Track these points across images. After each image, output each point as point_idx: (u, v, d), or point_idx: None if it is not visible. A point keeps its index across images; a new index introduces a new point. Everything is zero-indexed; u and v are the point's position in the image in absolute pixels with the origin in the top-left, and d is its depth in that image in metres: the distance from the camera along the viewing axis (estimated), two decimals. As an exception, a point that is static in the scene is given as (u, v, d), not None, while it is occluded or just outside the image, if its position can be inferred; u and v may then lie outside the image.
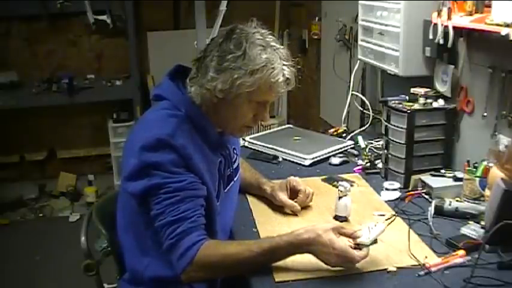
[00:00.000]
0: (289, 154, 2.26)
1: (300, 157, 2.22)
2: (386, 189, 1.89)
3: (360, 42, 2.52)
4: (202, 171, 1.42)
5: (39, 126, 4.38)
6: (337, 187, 1.75)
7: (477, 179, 1.72)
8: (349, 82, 2.83)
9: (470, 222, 1.61)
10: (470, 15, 1.82)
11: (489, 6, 1.72)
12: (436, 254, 1.46)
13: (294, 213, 1.74)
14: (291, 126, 2.83)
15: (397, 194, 1.85)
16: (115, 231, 1.58)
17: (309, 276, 1.37)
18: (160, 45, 4.31)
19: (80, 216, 3.89)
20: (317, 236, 1.34)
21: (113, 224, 1.58)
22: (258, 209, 1.79)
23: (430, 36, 1.98)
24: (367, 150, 2.24)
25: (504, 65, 1.77)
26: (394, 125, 1.95)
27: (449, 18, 1.87)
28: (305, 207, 1.77)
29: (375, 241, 1.39)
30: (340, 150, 2.31)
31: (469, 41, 1.94)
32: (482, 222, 1.55)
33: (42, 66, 4.30)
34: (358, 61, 2.65)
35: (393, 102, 1.98)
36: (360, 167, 2.13)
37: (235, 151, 1.65)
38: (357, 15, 2.54)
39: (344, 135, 2.52)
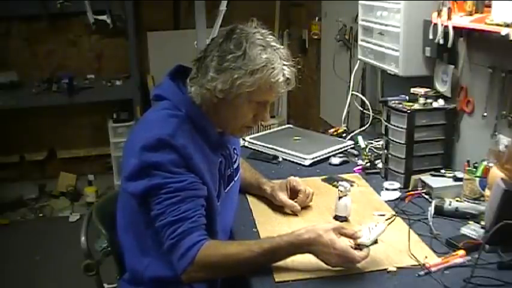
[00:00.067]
0: (289, 154, 2.26)
1: (300, 157, 2.22)
2: (386, 189, 1.89)
3: (360, 42, 2.52)
4: (202, 171, 1.42)
5: (39, 126, 4.38)
6: (337, 187, 1.75)
7: (477, 179, 1.72)
8: (349, 82, 2.83)
9: (470, 222, 1.61)
10: (470, 15, 1.82)
11: (489, 6, 1.72)
12: (436, 254, 1.46)
13: (294, 213, 1.74)
14: (291, 126, 2.83)
15: (397, 194, 1.85)
16: (115, 231, 1.58)
17: (309, 276, 1.37)
18: (160, 45, 4.31)
19: (80, 216, 3.89)
20: (318, 236, 1.34)
21: (113, 224, 1.58)
22: (258, 209, 1.79)
23: (430, 36, 1.98)
24: (367, 150, 2.24)
25: (504, 65, 1.77)
26: (394, 125, 1.95)
27: (449, 18, 1.87)
28: (305, 207, 1.77)
29: (375, 241, 1.39)
30: (340, 150, 2.31)
31: (469, 41, 1.94)
32: (482, 222, 1.55)
33: (42, 66, 4.30)
34: (358, 61, 2.65)
35: (393, 102, 1.98)
36: (360, 167, 2.13)
37: (235, 151, 1.65)
38: (357, 15, 2.54)
39: (344, 135, 2.52)
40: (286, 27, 4.53)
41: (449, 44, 1.90)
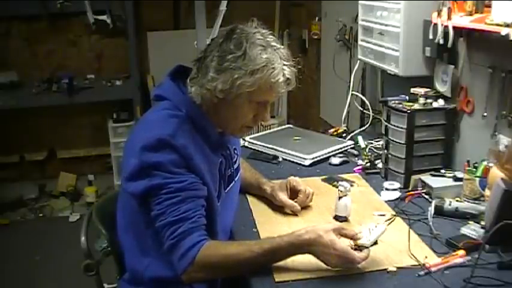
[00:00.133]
0: (289, 154, 2.26)
1: (300, 157, 2.22)
2: (386, 189, 1.89)
3: (360, 42, 2.52)
4: (203, 171, 1.42)
5: (39, 126, 4.38)
6: (337, 187, 1.75)
7: (477, 179, 1.72)
8: (349, 82, 2.83)
9: (470, 222, 1.61)
10: (470, 15, 1.82)
11: (489, 6, 1.72)
12: (436, 254, 1.46)
13: (294, 213, 1.74)
14: (291, 126, 2.83)
15: (397, 194, 1.85)
16: (115, 231, 1.58)
17: (309, 276, 1.37)
18: (160, 45, 4.31)
19: (80, 216, 3.89)
20: (318, 237, 1.34)
21: (113, 224, 1.58)
22: (258, 209, 1.79)
23: (430, 36, 1.98)
24: (367, 150, 2.24)
25: (504, 65, 1.77)
26: (394, 125, 1.95)
27: (449, 18, 1.87)
28: (305, 207, 1.77)
29: (375, 242, 1.39)
30: (340, 150, 2.31)
31: (469, 41, 1.94)
32: (482, 222, 1.55)
33: (42, 66, 4.30)
34: (358, 61, 2.65)
35: (393, 102, 1.98)
36: (360, 167, 2.13)
37: (235, 151, 1.65)
38: (357, 15, 2.54)
39: (344, 135, 2.52)
40: (286, 27, 4.53)
41: (449, 44, 1.90)
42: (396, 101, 1.98)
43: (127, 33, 4.09)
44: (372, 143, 2.30)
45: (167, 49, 4.11)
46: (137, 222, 1.46)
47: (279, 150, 2.29)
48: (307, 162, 2.19)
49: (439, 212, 1.68)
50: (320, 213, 1.75)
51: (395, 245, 1.51)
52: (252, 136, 2.46)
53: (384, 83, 2.67)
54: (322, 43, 3.80)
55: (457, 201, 1.72)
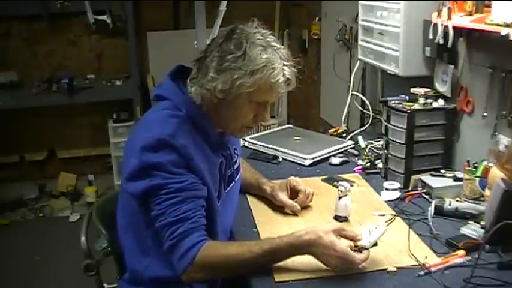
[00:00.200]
0: (289, 154, 2.26)
1: (300, 157, 2.22)
2: (386, 189, 1.89)
3: (360, 42, 2.52)
4: (203, 171, 1.42)
5: (39, 126, 4.38)
6: (337, 187, 1.75)
7: (477, 179, 1.72)
8: (349, 82, 2.83)
9: (470, 222, 1.61)
10: (470, 15, 1.82)
11: (489, 6, 1.72)
12: (436, 254, 1.46)
13: (294, 213, 1.74)
14: (291, 126, 2.83)
15: (397, 194, 1.85)
16: (115, 231, 1.58)
17: (309, 276, 1.37)
18: (160, 45, 4.31)
19: (80, 216, 3.89)
20: (318, 238, 1.34)
21: (113, 224, 1.58)
22: (258, 209, 1.79)
23: (430, 36, 1.98)
24: (367, 150, 2.24)
25: (504, 65, 1.77)
26: (394, 125, 1.95)
27: (449, 18, 1.87)
28: (305, 207, 1.77)
29: (375, 243, 1.39)
30: (340, 150, 2.31)
31: (469, 41, 1.94)
32: (482, 222, 1.55)
33: (42, 66, 4.30)
34: (358, 61, 2.65)
35: (393, 102, 1.98)
36: (360, 167, 2.13)
37: (236, 151, 1.65)
38: (357, 15, 2.54)
39: (344, 135, 2.52)
40: (286, 27, 4.53)
41: (449, 44, 1.90)
42: (396, 101, 1.98)
43: (127, 33, 4.09)
44: (372, 143, 2.30)
45: (167, 49, 4.11)
46: (137, 222, 1.46)
47: (279, 150, 2.29)
48: (307, 162, 2.19)
49: (439, 212, 1.68)
50: (320, 213, 1.75)
51: (395, 245, 1.51)
52: (252, 136, 2.46)
53: (384, 83, 2.67)
54: (322, 43, 3.80)
55: (457, 201, 1.72)
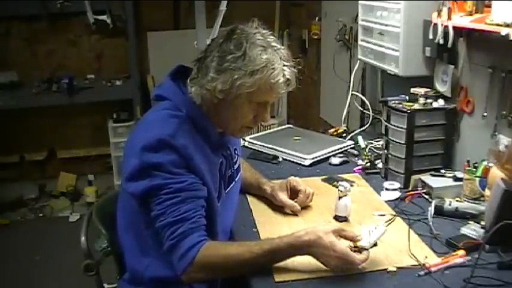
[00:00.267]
0: (289, 154, 2.26)
1: (300, 157, 2.22)
2: (386, 189, 1.89)
3: (360, 42, 2.52)
4: (203, 171, 1.42)
5: (39, 126, 4.38)
6: (337, 187, 1.75)
7: (477, 179, 1.72)
8: (349, 82, 2.83)
9: (470, 222, 1.61)
10: (470, 15, 1.82)
11: (489, 6, 1.72)
12: (436, 254, 1.46)
13: (294, 213, 1.74)
14: (291, 126, 2.83)
15: (397, 194, 1.85)
16: (115, 231, 1.58)
17: (309, 276, 1.37)
18: (160, 45, 4.31)
19: (80, 216, 3.89)
20: (318, 238, 1.34)
21: (113, 224, 1.58)
22: (258, 209, 1.79)
23: (430, 36, 1.98)
24: (367, 150, 2.24)
25: (504, 65, 1.77)
26: (394, 125, 1.95)
27: (449, 18, 1.87)
28: (305, 207, 1.77)
29: (374, 244, 1.39)
30: (340, 150, 2.31)
31: (469, 41, 1.94)
32: (482, 222, 1.55)
33: (42, 66, 4.30)
34: (358, 61, 2.65)
35: (393, 102, 1.98)
36: (360, 167, 2.13)
37: (236, 151, 1.64)
38: (357, 15, 2.54)
39: (344, 135, 2.52)
40: (286, 27, 4.53)
41: (449, 44, 1.90)
42: (396, 101, 1.98)
43: (127, 33, 4.09)
44: (372, 143, 2.30)
45: (167, 49, 4.11)
46: (137, 222, 1.46)
47: (279, 150, 2.29)
48: (307, 162, 2.19)
49: (439, 212, 1.68)
50: (320, 213, 1.75)
51: (395, 245, 1.51)
52: (252, 136, 2.46)
53: (384, 83, 2.67)
54: (322, 43, 3.80)
55: (457, 201, 1.72)
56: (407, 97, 1.99)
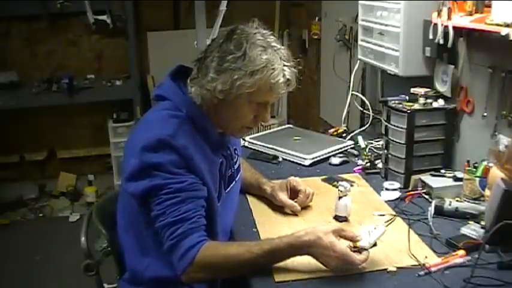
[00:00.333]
0: (289, 154, 2.26)
1: (300, 157, 2.22)
2: (386, 189, 1.89)
3: (360, 42, 2.52)
4: (203, 172, 1.42)
5: (39, 126, 4.38)
6: (337, 187, 1.75)
7: (477, 179, 1.72)
8: (349, 82, 2.83)
9: (470, 222, 1.61)
10: (470, 15, 1.82)
11: (489, 6, 1.72)
12: (436, 254, 1.46)
13: (294, 213, 1.74)
14: (291, 126, 2.83)
15: (397, 194, 1.85)
16: (115, 231, 1.58)
17: (309, 277, 1.37)
18: (160, 45, 4.31)
19: (80, 216, 3.89)
20: (317, 239, 1.34)
21: (113, 224, 1.58)
22: (258, 209, 1.79)
23: (430, 36, 1.98)
24: (367, 150, 2.24)
25: (504, 65, 1.77)
26: (394, 125, 1.95)
27: (449, 18, 1.87)
28: (305, 207, 1.77)
29: (374, 244, 1.39)
30: (340, 150, 2.31)
31: (469, 41, 1.94)
32: (482, 222, 1.55)
33: (42, 66, 4.30)
34: (358, 61, 2.65)
35: (393, 102, 1.98)
36: (360, 167, 2.13)
37: (236, 151, 1.64)
38: (357, 15, 2.54)
39: (344, 135, 2.52)
40: (286, 27, 4.53)
41: (449, 44, 1.90)
42: (396, 101, 1.98)
43: (127, 33, 4.09)
44: (372, 143, 2.30)
45: (167, 49, 4.11)
46: (137, 222, 1.46)
47: (279, 150, 2.29)
48: (307, 162, 2.19)
49: (439, 212, 1.68)
50: (320, 213, 1.75)
51: (395, 245, 1.51)
52: (252, 136, 2.46)
53: (384, 83, 2.67)
54: (322, 43, 3.80)
55: (457, 201, 1.72)
56: (407, 97, 1.99)
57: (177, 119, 1.42)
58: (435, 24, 1.95)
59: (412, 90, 2.02)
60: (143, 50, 4.34)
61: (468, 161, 1.81)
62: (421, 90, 2.00)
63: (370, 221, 1.64)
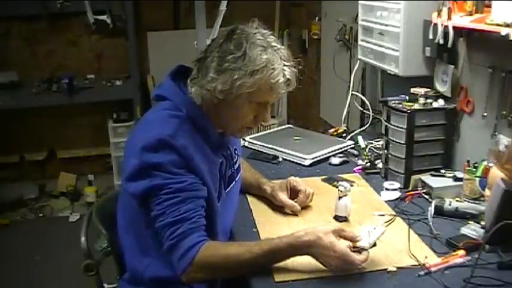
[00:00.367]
0: (289, 154, 2.26)
1: (300, 157, 2.22)
2: (386, 189, 1.89)
3: (360, 42, 2.52)
4: (203, 172, 1.42)
5: (39, 126, 4.38)
6: (337, 187, 1.75)
7: (477, 179, 1.72)
8: (349, 82, 2.83)
9: (470, 222, 1.61)
10: (470, 15, 1.82)
11: (489, 6, 1.72)
12: (436, 254, 1.46)
13: (294, 213, 1.74)
14: (291, 126, 2.83)
15: (397, 194, 1.85)
16: (115, 231, 1.58)
17: (309, 276, 1.37)
18: (160, 45, 4.31)
19: (80, 216, 3.89)
20: (317, 239, 1.34)
21: (113, 224, 1.58)
22: (258, 209, 1.79)
23: (430, 36, 1.98)
24: (367, 150, 2.24)
25: (504, 65, 1.77)
26: (394, 125, 1.95)
27: (449, 18, 1.87)
28: (305, 207, 1.77)
29: (374, 244, 1.39)
30: (340, 150, 2.31)
31: (469, 41, 1.94)
32: (482, 222, 1.55)
33: (42, 66, 4.30)
34: (358, 61, 2.65)
35: (393, 102, 1.98)
36: (360, 167, 2.13)
37: (236, 152, 1.64)
38: (357, 15, 2.54)
39: (344, 135, 2.52)
40: (286, 27, 4.53)
41: (449, 44, 1.90)
42: (396, 101, 1.98)
43: (127, 33, 4.09)
44: (372, 143, 2.30)
45: (167, 49, 4.11)
46: (137, 222, 1.46)
47: (279, 150, 2.29)
48: (307, 162, 2.19)
49: (439, 212, 1.68)
50: (320, 213, 1.75)
51: (395, 245, 1.51)
52: (252, 136, 2.46)
53: (384, 83, 2.67)
54: (322, 43, 3.80)
55: (457, 201, 1.72)
56: (407, 97, 1.99)
57: (177, 119, 1.42)
58: (435, 24, 1.95)
59: (412, 90, 2.02)
60: (143, 50, 4.35)
61: (468, 161, 1.81)
62: (421, 90, 2.00)
63: (370, 221, 1.64)
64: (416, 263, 1.42)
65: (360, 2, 2.46)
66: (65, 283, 3.07)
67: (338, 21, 3.23)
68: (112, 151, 4.17)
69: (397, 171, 1.96)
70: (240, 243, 1.46)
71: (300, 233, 1.36)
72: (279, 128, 2.83)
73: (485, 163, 1.71)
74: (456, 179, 1.82)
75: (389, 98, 2.01)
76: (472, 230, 1.56)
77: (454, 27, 1.87)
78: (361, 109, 2.77)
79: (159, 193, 1.36)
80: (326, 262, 1.36)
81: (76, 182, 4.39)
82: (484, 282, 1.32)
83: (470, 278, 1.31)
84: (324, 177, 2.04)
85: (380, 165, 2.08)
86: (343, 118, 2.82)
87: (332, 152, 2.28)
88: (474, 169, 1.76)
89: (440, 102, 1.97)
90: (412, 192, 1.85)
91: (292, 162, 2.23)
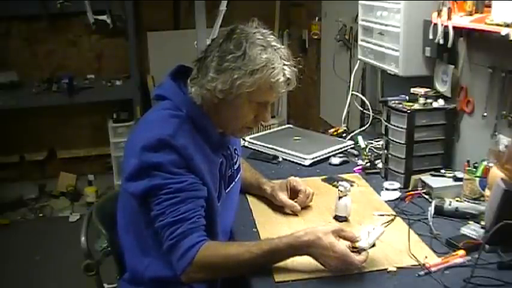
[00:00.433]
0: (289, 154, 2.26)
1: (300, 157, 2.22)
2: (386, 189, 1.89)
3: (360, 42, 2.52)
4: (203, 171, 1.42)
5: (39, 126, 4.38)
6: (337, 187, 1.75)
7: (477, 179, 1.72)
8: (349, 82, 2.83)
9: (470, 222, 1.61)
10: (470, 15, 1.82)
11: (489, 6, 1.72)
12: (436, 254, 1.46)
13: (294, 213, 1.74)
14: (291, 126, 2.83)
15: (397, 194, 1.85)
16: (115, 231, 1.58)
17: (309, 276, 1.37)
18: (160, 45, 4.31)
19: (80, 216, 3.89)
20: (317, 239, 1.34)
21: (113, 224, 1.58)
22: (258, 209, 1.79)
23: (430, 36, 1.98)
24: (367, 150, 2.24)
25: (504, 65, 1.77)
26: (394, 125, 1.95)
27: (449, 18, 1.87)
28: (305, 207, 1.77)
29: (373, 244, 1.39)
30: (340, 150, 2.31)
31: (469, 41, 1.94)
32: (482, 222, 1.55)
33: (42, 66, 4.31)
34: (358, 61, 2.65)
35: (393, 102, 1.98)
36: (360, 167, 2.13)
37: (236, 152, 1.64)
38: (357, 15, 2.54)
39: (344, 135, 2.52)
40: (286, 27, 4.53)
41: (449, 44, 1.91)
42: (396, 101, 1.98)
43: (127, 33, 4.09)
44: (372, 143, 2.30)
45: (167, 49, 4.11)
46: (137, 222, 1.46)
47: (279, 150, 2.29)
48: (307, 162, 2.19)
49: (439, 212, 1.68)
50: (320, 213, 1.75)
51: (395, 245, 1.51)
52: (252, 136, 2.46)
53: (384, 83, 2.67)
54: (322, 43, 3.80)
55: (457, 201, 1.72)
56: (407, 97, 1.99)
57: (177, 119, 1.42)
58: (435, 24, 1.95)
59: (412, 90, 2.02)
60: (143, 50, 4.34)
61: (468, 161, 1.81)
62: (421, 90, 2.00)
63: (370, 221, 1.64)
64: (416, 263, 1.42)
65: (360, 2, 2.46)
66: (65, 283, 3.07)
67: (338, 21, 3.23)
68: (112, 151, 4.17)
69: (397, 171, 1.96)
70: (240, 243, 1.46)
71: (299, 233, 1.36)
72: (279, 128, 2.83)
73: (485, 163, 1.71)
74: (456, 179, 1.82)
75: (389, 98, 2.01)
76: (472, 230, 1.56)
77: (454, 27, 1.87)
78: (361, 109, 2.77)
79: (159, 193, 1.36)
80: (325, 262, 1.36)
81: (76, 182, 4.39)
82: (484, 282, 1.32)
83: (470, 278, 1.31)
84: (324, 177, 2.04)
85: (380, 165, 2.08)
86: (343, 118, 2.82)
87: (332, 152, 2.28)
88: (474, 169, 1.76)
89: (440, 102, 1.97)
90: (412, 192, 1.85)
91: (292, 162, 2.23)
